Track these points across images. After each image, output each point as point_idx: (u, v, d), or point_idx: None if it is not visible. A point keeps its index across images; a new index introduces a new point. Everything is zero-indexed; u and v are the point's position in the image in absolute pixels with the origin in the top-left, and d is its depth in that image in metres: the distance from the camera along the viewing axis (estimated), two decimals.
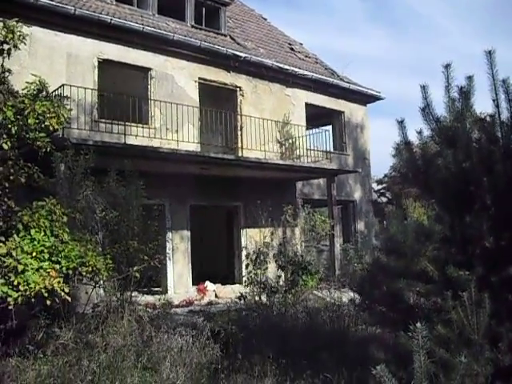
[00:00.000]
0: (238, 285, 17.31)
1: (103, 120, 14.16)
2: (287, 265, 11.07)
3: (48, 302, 5.93)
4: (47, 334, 8.35)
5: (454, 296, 4.85)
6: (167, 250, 14.50)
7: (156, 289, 15.16)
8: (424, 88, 6.63)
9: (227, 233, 19.39)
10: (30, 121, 6.33)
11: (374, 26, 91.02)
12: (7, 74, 7.02)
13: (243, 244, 17.69)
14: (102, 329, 8.68)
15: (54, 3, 13.65)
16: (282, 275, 11.02)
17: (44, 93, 6.92)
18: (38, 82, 7.00)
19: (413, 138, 6.65)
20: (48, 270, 6.00)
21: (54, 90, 12.11)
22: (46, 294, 5.72)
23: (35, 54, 13.39)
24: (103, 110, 14.30)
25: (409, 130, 6.74)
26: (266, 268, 10.82)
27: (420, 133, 6.75)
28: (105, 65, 14.85)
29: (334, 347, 7.93)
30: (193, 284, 16.06)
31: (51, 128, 6.61)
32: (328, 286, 13.77)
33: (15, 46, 6.34)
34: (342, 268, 16.85)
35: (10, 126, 6.24)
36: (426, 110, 6.71)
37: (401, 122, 6.96)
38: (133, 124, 14.31)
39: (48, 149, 7.07)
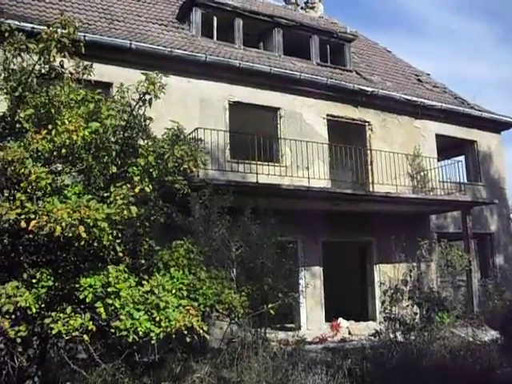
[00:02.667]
0: (371, 321, 16.98)
1: (235, 160, 14.65)
2: (423, 301, 10.73)
3: (188, 340, 6.15)
4: (184, 367, 8.64)
5: None
6: (300, 287, 14.55)
7: (289, 325, 15.23)
8: None
9: (360, 269, 19.12)
10: (169, 164, 6.70)
11: (503, 49, 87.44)
12: (148, 121, 7.49)
13: (376, 280, 17.37)
14: (236, 364, 8.86)
15: (186, 53, 14.49)
16: (418, 312, 10.68)
17: (181, 137, 7.30)
18: (175, 128, 7.40)
19: None
20: (187, 308, 6.23)
21: (189, 134, 12.75)
22: (185, 332, 5.94)
23: (170, 101, 14.12)
24: (235, 150, 14.81)
25: None
26: (402, 305, 10.57)
27: None
28: (235, 107, 15.43)
29: None
30: (326, 321, 15.96)
31: (189, 171, 6.95)
32: (466, 324, 13.16)
33: (156, 96, 6.77)
34: (481, 305, 16.04)
35: (151, 170, 6.64)
36: None
37: None
38: (264, 163, 14.67)
39: (185, 190, 7.43)
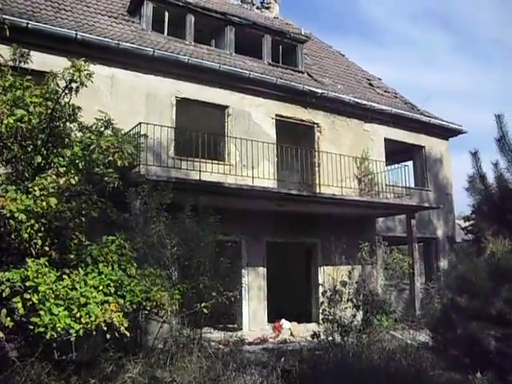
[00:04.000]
0: (314, 323, 16.94)
1: (179, 157, 14.40)
2: (361, 304, 10.71)
3: (107, 336, 5.94)
4: (116, 367, 8.40)
5: None
6: (242, 287, 14.41)
7: (231, 325, 15.06)
8: (499, 117, 6.31)
9: (305, 270, 19.11)
10: (94, 156, 6.47)
11: (458, 58, 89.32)
12: (77, 111, 7.23)
13: (320, 282, 17.36)
14: (170, 364, 8.66)
15: (134, 46, 14.20)
16: (358, 314, 10.65)
17: (110, 128, 7.07)
18: (104, 119, 7.18)
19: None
20: (113, 305, 6.03)
21: (132, 129, 12.49)
22: (105, 328, 5.73)
23: (116, 95, 13.89)
24: (180, 147, 14.57)
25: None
26: (342, 307, 10.53)
27: (496, 165, 6.40)
28: (182, 103, 15.20)
29: None
30: (268, 321, 15.85)
31: (117, 163, 6.71)
32: (406, 327, 13.23)
33: (82, 84, 6.50)
34: (423, 308, 16.18)
35: (77, 161, 6.40)
36: (502, 141, 6.37)
37: (474, 154, 6.63)
38: (208, 161, 14.47)
39: (116, 184, 7.20)
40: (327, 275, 17.32)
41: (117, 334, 5.89)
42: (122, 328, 5.75)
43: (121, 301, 6.27)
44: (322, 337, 10.29)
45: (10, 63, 7.73)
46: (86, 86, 6.49)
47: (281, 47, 18.96)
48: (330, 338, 10.12)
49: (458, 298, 6.09)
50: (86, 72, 6.35)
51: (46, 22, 13.37)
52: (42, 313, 5.68)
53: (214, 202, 10.78)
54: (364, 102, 19.07)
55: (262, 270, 15.92)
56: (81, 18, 15.00)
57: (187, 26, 16.91)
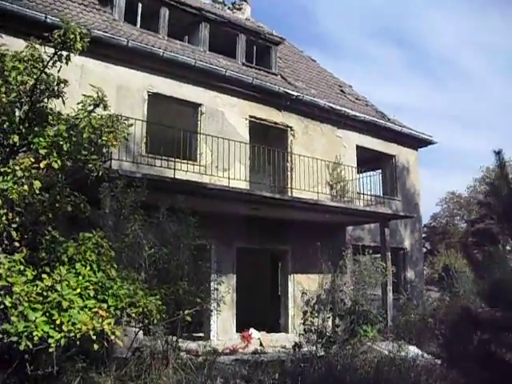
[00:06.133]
0: (283, 333, 16.38)
1: (152, 155, 13.65)
2: (345, 313, 10.16)
3: (95, 347, 5.12)
4: (83, 379, 7.60)
5: None
6: (212, 294, 13.69)
7: (198, 334, 14.30)
8: None
9: (275, 278, 18.54)
10: (84, 135, 5.66)
11: (412, 75, 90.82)
12: (62, 85, 6.43)
13: (290, 290, 16.80)
14: (144, 376, 7.92)
15: (107, 35, 13.39)
16: (341, 325, 10.10)
17: (102, 107, 6.27)
18: (95, 96, 6.38)
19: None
20: (94, 310, 5.25)
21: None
22: (93, 337, 4.92)
23: (85, 85, 12.98)
24: (152, 144, 13.81)
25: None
26: (324, 316, 9.97)
27: None
28: (155, 98, 14.45)
29: None
30: (237, 331, 15.16)
31: (109, 144, 5.94)
32: (383, 338, 12.78)
33: (75, 49, 5.67)
34: (394, 319, 15.78)
35: (61, 142, 5.59)
36: None
37: (498, 153, 6.13)
38: (181, 160, 13.75)
39: (100, 173, 6.43)
40: (297, 283, 16.83)
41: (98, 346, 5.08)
42: (114, 337, 4.99)
43: (103, 306, 5.48)
44: (305, 348, 9.69)
45: None
46: (80, 50, 5.66)
47: (255, 48, 18.39)
48: (314, 349, 9.52)
49: (489, 308, 5.58)
50: (79, 36, 5.54)
51: (13, 1, 12.40)
52: (14, 319, 4.85)
53: (186, 203, 10.07)
54: (338, 108, 18.68)
55: (232, 277, 15.23)
56: (49, 2, 14.08)
57: (161, 19, 16.15)
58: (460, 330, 6.09)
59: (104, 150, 6.46)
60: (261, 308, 18.45)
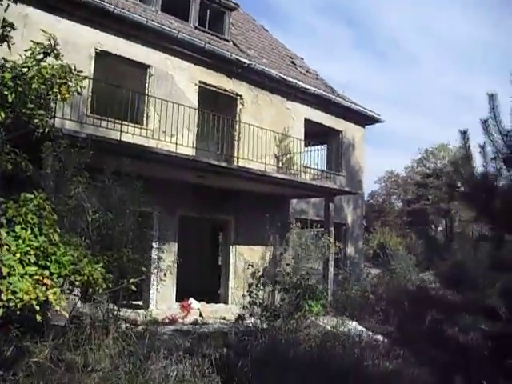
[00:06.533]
0: (223, 304, 16.24)
1: (97, 116, 13.05)
2: (291, 287, 10.03)
3: (38, 318, 4.74)
4: (18, 348, 7.19)
5: None
6: (153, 262, 13.34)
7: (136, 303, 13.95)
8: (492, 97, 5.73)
9: (216, 248, 18.32)
10: (33, 86, 5.18)
11: (359, 55, 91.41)
12: (9, 29, 5.89)
13: (232, 261, 16.62)
14: (83, 346, 7.58)
15: None
16: (286, 298, 9.97)
17: (52, 56, 5.75)
18: (47, 43, 5.85)
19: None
20: (36, 277, 4.86)
21: None
22: (37, 307, 4.54)
23: (29, 38, 12.24)
24: (97, 105, 13.20)
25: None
26: (269, 289, 9.83)
27: (483, 147, 5.84)
28: (102, 57, 13.77)
29: None
30: (176, 300, 14.89)
31: (62, 96, 5.47)
32: (325, 313, 12.81)
33: None
34: (335, 294, 15.87)
35: (6, 92, 5.10)
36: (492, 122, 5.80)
37: (464, 133, 6.03)
38: (128, 123, 13.23)
39: (46, 130, 5.95)
40: (239, 254, 16.68)
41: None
42: (58, 307, 4.62)
43: (46, 273, 5.09)
44: (248, 321, 9.54)
45: None
46: None
47: (208, 12, 17.82)
48: (258, 322, 9.38)
49: (446, 289, 5.52)
50: None
51: None
52: None
53: (131, 168, 9.65)
54: (289, 79, 18.43)
55: (173, 246, 14.87)
56: None
57: None
58: (414, 309, 6.03)
59: (52, 106, 5.95)
60: (201, 278, 18.24)
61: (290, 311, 9.66)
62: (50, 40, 5.66)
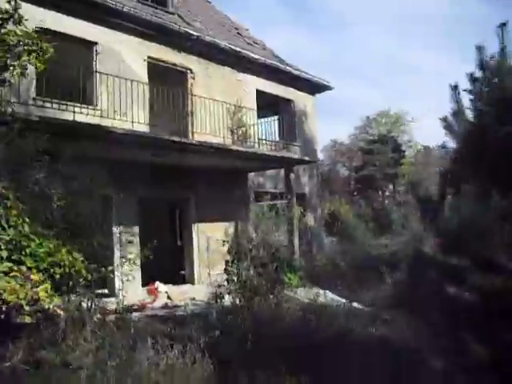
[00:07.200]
0: (189, 285, 15.86)
1: (44, 98, 12.30)
2: (268, 261, 9.69)
3: (27, 320, 4.22)
4: None
5: None
6: (115, 247, 12.82)
7: (101, 291, 13.39)
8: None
9: (178, 228, 17.86)
10: None
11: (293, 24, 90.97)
12: None
13: (195, 240, 16.20)
14: (60, 342, 7.07)
15: None
16: (263, 273, 9.62)
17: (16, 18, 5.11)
18: (6, 8, 5.21)
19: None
20: (13, 274, 4.35)
21: None
22: (26, 308, 4.03)
23: None
24: (42, 87, 12.43)
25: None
26: (244, 265, 9.48)
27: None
28: (42, 35, 12.91)
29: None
30: (142, 286, 14.40)
31: (34, 67, 4.88)
32: (299, 285, 12.56)
33: None
34: (303, 265, 15.66)
35: None
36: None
37: (455, 87, 5.85)
38: (78, 104, 12.55)
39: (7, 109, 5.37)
40: (201, 232, 16.27)
41: None
42: (51, 306, 4.14)
43: (23, 268, 4.59)
44: (226, 299, 9.19)
45: None
46: None
47: None
48: (238, 300, 9.04)
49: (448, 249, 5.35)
50: None
51: None
52: None
53: (86, 150, 9.11)
54: (238, 50, 17.97)
55: (135, 228, 14.34)
56: None
57: None
58: (415, 271, 5.83)
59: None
60: (161, 260, 17.73)
61: (269, 286, 9.34)
62: (10, 2, 5.01)
